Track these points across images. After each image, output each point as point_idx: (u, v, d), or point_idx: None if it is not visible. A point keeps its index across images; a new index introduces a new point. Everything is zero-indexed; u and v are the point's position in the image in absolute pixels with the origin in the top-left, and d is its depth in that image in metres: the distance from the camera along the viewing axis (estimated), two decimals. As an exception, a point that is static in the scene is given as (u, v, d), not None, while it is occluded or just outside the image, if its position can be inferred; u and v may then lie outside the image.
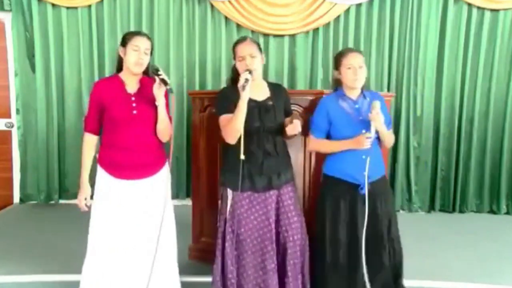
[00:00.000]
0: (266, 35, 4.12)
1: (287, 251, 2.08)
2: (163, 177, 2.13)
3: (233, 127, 1.97)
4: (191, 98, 2.84)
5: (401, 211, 4.19)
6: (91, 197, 2.13)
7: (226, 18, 4.10)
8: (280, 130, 2.10)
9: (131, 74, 2.08)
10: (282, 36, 4.13)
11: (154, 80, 2.00)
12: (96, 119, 2.09)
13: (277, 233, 2.09)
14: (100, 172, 2.09)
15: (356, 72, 2.12)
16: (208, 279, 2.33)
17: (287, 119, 2.10)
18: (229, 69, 4.08)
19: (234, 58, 2.16)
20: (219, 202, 2.18)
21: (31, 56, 4.11)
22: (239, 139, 1.99)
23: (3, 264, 2.74)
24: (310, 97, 2.56)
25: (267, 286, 2.06)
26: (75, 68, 4.13)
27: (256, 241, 2.08)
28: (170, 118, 2.11)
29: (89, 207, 2.11)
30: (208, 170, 2.78)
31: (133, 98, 2.06)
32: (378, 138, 2.16)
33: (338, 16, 4.10)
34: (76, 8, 4.06)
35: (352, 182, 2.12)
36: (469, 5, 4.03)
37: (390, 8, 4.07)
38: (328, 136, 2.22)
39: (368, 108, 2.12)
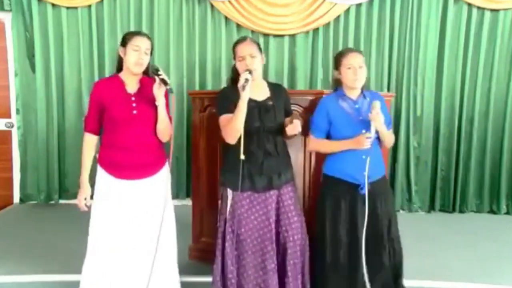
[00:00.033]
0: (266, 35, 4.12)
1: (287, 251, 2.08)
2: (163, 177, 2.12)
3: (233, 127, 1.97)
4: (191, 98, 2.84)
5: (401, 211, 4.19)
6: (91, 197, 2.13)
7: (226, 18, 4.10)
8: (280, 130, 2.10)
9: (131, 74, 2.08)
10: (282, 36, 4.13)
11: (154, 80, 2.00)
12: (96, 119, 2.09)
13: (277, 233, 2.09)
14: (100, 172, 2.09)
15: (356, 72, 2.12)
16: (208, 279, 2.33)
17: (287, 119, 2.09)
18: (229, 69, 4.08)
19: (234, 58, 2.16)
20: (219, 202, 2.18)
21: (31, 56, 4.11)
22: (239, 139, 1.99)
23: (3, 264, 2.74)
24: (310, 97, 2.56)
25: (267, 286, 2.06)
26: (75, 68, 4.13)
27: (256, 241, 2.08)
28: (170, 118, 2.11)
29: (89, 207, 2.11)
30: (208, 170, 2.78)
31: (133, 98, 2.06)
32: (378, 138, 2.16)
33: (338, 16, 4.10)
34: (76, 8, 4.07)
35: (352, 182, 2.12)
36: (469, 5, 4.03)
37: (390, 8, 4.07)
38: (328, 136, 2.22)
39: (368, 108, 2.12)
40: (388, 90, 4.11)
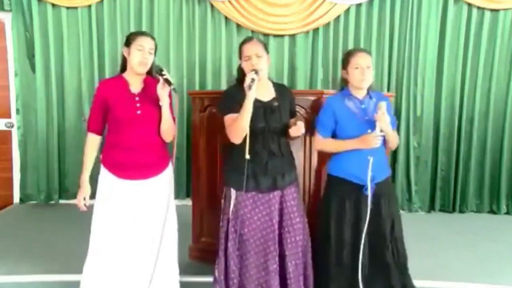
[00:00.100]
0: (266, 35, 4.12)
1: (289, 252, 2.08)
2: (167, 178, 2.12)
3: (239, 126, 1.97)
4: (191, 98, 2.84)
5: (401, 211, 4.16)
6: (91, 197, 2.13)
7: (226, 18, 4.10)
8: (285, 131, 2.10)
9: (135, 74, 2.08)
10: (282, 36, 4.13)
11: (158, 80, 2.00)
12: (100, 119, 2.10)
13: (279, 234, 2.09)
14: (104, 172, 2.09)
15: (363, 72, 2.12)
16: (208, 279, 2.33)
17: (291, 121, 2.10)
18: (229, 69, 4.14)
19: (240, 58, 2.14)
20: (222, 201, 2.17)
21: (31, 56, 4.11)
22: (244, 139, 1.99)
23: (3, 264, 2.74)
24: (310, 97, 2.56)
25: (269, 287, 2.06)
26: (75, 68, 4.13)
27: (259, 242, 2.08)
28: (173, 118, 2.11)
29: (88, 207, 2.11)
30: (208, 170, 2.78)
31: (137, 98, 2.06)
32: (383, 139, 2.16)
33: (338, 16, 4.10)
34: (76, 8, 4.07)
35: (357, 183, 2.12)
36: (469, 5, 4.03)
37: (390, 8, 4.08)
38: (334, 136, 2.22)
39: (374, 108, 2.12)
40: (388, 90, 4.11)
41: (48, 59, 4.09)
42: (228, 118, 2.05)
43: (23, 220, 3.76)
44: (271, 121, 2.06)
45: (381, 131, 2.07)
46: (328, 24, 4.12)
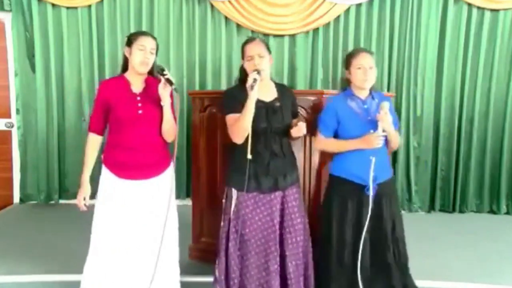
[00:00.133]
0: (266, 35, 4.12)
1: (289, 252, 2.08)
2: (168, 178, 2.12)
3: (241, 126, 1.97)
4: (191, 98, 2.84)
5: (401, 211, 4.19)
6: (91, 197, 2.13)
7: (226, 18, 4.10)
8: (287, 131, 2.10)
9: (137, 74, 2.08)
10: (282, 36, 4.13)
11: (159, 80, 2.00)
12: (101, 119, 2.10)
13: (280, 234, 2.09)
14: (105, 172, 2.09)
15: (366, 73, 2.12)
16: (208, 279, 2.33)
17: (293, 121, 2.10)
18: (229, 69, 4.14)
19: (243, 58, 2.14)
20: (224, 201, 2.17)
21: (31, 56, 4.11)
22: (246, 139, 1.99)
23: (3, 264, 2.74)
24: (310, 97, 2.56)
25: (270, 287, 2.06)
26: (75, 68, 4.13)
27: (260, 242, 2.08)
28: (175, 118, 2.11)
29: (88, 207, 2.11)
30: (208, 170, 2.78)
31: (138, 98, 2.06)
32: (385, 140, 2.16)
33: (338, 16, 4.10)
34: (76, 8, 4.07)
35: (359, 183, 2.12)
36: (469, 5, 4.03)
37: (390, 8, 4.08)
38: (336, 136, 2.22)
39: (377, 108, 2.12)
40: (388, 90, 4.11)
41: (48, 59, 4.09)
42: (230, 118, 2.05)
43: (23, 220, 3.76)
44: (273, 121, 2.06)
45: (383, 131, 2.07)
46: (328, 24, 4.12)
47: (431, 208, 4.21)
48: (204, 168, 2.79)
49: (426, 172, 4.18)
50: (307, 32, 4.14)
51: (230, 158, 2.20)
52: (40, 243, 3.13)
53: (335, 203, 2.17)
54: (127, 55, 2.08)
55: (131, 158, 2.04)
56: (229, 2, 4.01)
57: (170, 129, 2.09)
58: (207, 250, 2.73)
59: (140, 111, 2.04)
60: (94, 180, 2.14)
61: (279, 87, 2.21)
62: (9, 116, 4.22)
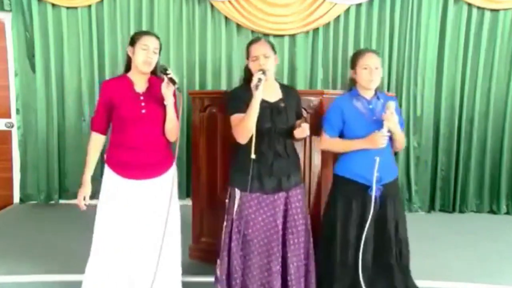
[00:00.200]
0: (266, 35, 4.11)
1: (291, 254, 2.08)
2: (171, 177, 2.12)
3: (245, 126, 1.96)
4: (191, 98, 2.84)
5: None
6: (91, 197, 2.13)
7: (226, 18, 4.10)
8: (291, 132, 2.09)
9: (140, 74, 2.09)
10: (282, 36, 4.13)
11: (162, 80, 2.00)
12: (104, 118, 2.10)
13: (283, 235, 2.09)
14: (108, 172, 2.09)
15: (372, 73, 2.12)
16: (209, 279, 2.33)
17: (297, 122, 2.10)
18: (229, 69, 4.14)
19: (247, 58, 2.14)
20: (227, 201, 2.16)
21: (31, 56, 4.11)
22: (250, 139, 1.98)
23: (3, 264, 2.74)
24: (310, 97, 2.56)
25: (271, 287, 2.06)
26: (75, 68, 4.13)
27: (263, 242, 2.08)
28: (177, 117, 2.11)
29: (88, 206, 2.11)
30: (208, 170, 2.78)
31: (141, 98, 2.06)
32: (390, 140, 2.15)
33: (338, 16, 4.10)
34: (76, 8, 4.06)
35: (363, 183, 2.12)
36: (469, 5, 4.03)
37: (390, 8, 4.07)
38: (341, 136, 2.22)
39: (382, 109, 2.12)
40: (388, 90, 4.11)
41: (48, 59, 4.08)
42: (235, 118, 2.05)
43: (23, 220, 3.76)
44: (277, 122, 2.06)
45: (388, 131, 2.07)
46: (328, 24, 4.12)
47: (431, 208, 4.21)
48: (204, 168, 2.79)
49: (426, 172, 4.18)
50: (307, 32, 4.14)
51: (234, 158, 2.19)
52: (40, 243, 3.13)
53: (339, 203, 2.16)
54: (130, 54, 2.08)
55: (134, 157, 2.04)
56: (229, 2, 4.01)
57: (173, 128, 2.09)
58: (207, 250, 2.73)
59: (143, 111, 2.04)
60: (94, 179, 2.14)
61: (284, 87, 2.21)
62: (9, 116, 4.22)
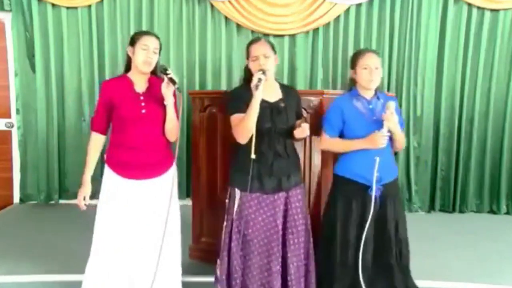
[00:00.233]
0: (266, 35, 4.11)
1: (291, 254, 2.08)
2: (171, 177, 2.12)
3: (245, 126, 1.96)
4: (191, 98, 2.84)
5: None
6: (91, 197, 2.13)
7: (226, 18, 4.10)
8: (291, 132, 2.09)
9: (140, 74, 2.09)
10: (282, 36, 4.13)
11: (162, 80, 2.00)
12: (104, 118, 2.10)
13: (283, 235, 2.09)
14: (108, 172, 2.09)
15: (372, 73, 2.12)
16: (209, 279, 2.33)
17: (297, 122, 2.10)
18: (229, 69, 4.14)
19: (247, 58, 2.14)
20: (227, 201, 2.16)
21: (31, 56, 4.11)
22: (250, 139, 1.98)
23: (3, 264, 2.74)
24: (310, 97, 2.56)
25: (271, 287, 2.06)
26: (75, 68, 4.13)
27: (263, 242, 2.08)
28: (177, 117, 2.10)
29: (88, 206, 2.11)
30: (208, 170, 2.78)
31: (141, 98, 2.06)
32: (390, 140, 2.15)
33: (338, 16, 4.10)
34: (76, 8, 4.06)
35: (363, 183, 2.12)
36: (469, 5, 4.03)
37: (390, 8, 4.07)
38: (341, 136, 2.22)
39: (382, 109, 2.12)
40: (388, 90, 4.11)
41: (48, 59, 4.08)
42: (235, 117, 2.05)
43: (23, 220, 3.76)
44: (277, 122, 2.06)
45: (388, 131, 2.07)
46: (328, 24, 4.12)
47: (431, 208, 4.21)
48: (204, 168, 2.79)
49: (426, 172, 4.18)
50: (307, 32, 4.14)
51: (234, 158, 2.19)
52: (40, 243, 3.13)
53: (339, 203, 2.16)
54: (130, 54, 2.09)
55: (134, 157, 2.04)
56: (229, 2, 4.01)
57: (173, 128, 2.09)
58: (207, 250, 2.73)
59: (143, 111, 2.04)
60: (94, 179, 2.14)
61: (284, 87, 2.21)
62: (9, 116, 4.22)
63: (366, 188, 2.11)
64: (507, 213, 4.17)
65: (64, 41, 4.07)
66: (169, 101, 2.02)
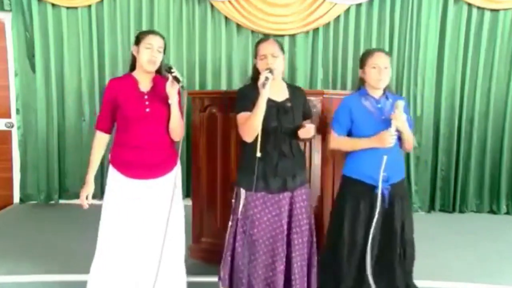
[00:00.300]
0: (266, 35, 4.10)
1: (295, 253, 2.09)
2: (175, 177, 2.12)
3: (251, 124, 1.96)
4: (191, 98, 2.84)
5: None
6: (93, 196, 2.14)
7: (226, 18, 4.10)
8: (296, 132, 2.09)
9: (144, 73, 2.09)
10: (282, 36, 4.12)
11: (167, 78, 2.00)
12: (109, 117, 2.10)
13: (287, 235, 2.09)
14: (112, 171, 2.09)
15: (380, 72, 2.12)
16: (209, 279, 2.33)
17: (304, 122, 2.10)
18: (229, 69, 4.14)
19: (256, 57, 2.14)
20: (233, 201, 2.16)
21: (31, 56, 4.11)
22: (256, 138, 1.98)
23: (3, 264, 2.74)
24: (310, 97, 2.55)
25: (275, 287, 2.06)
26: (75, 68, 4.13)
27: (268, 242, 2.07)
28: (182, 115, 2.11)
29: (90, 205, 2.11)
30: (208, 170, 2.78)
31: (146, 97, 2.06)
32: (398, 140, 2.15)
33: (338, 16, 4.10)
34: (76, 8, 4.07)
35: (371, 184, 2.12)
36: (469, 5, 4.03)
37: (390, 8, 4.07)
38: (349, 135, 2.21)
39: (391, 108, 2.12)
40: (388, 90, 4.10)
41: (48, 59, 4.09)
42: (241, 116, 2.05)
43: (23, 220, 3.76)
44: (283, 121, 2.06)
45: (396, 130, 2.06)
46: (328, 24, 4.12)
47: (431, 208, 4.21)
48: (204, 168, 2.80)
49: (426, 172, 4.18)
50: (307, 32, 4.14)
51: (241, 158, 2.20)
52: (40, 243, 3.13)
53: (347, 203, 2.16)
54: (135, 53, 2.09)
55: (138, 157, 2.04)
56: (229, 2, 4.01)
57: (178, 127, 2.09)
58: (207, 250, 2.73)
59: (147, 110, 2.04)
60: (96, 178, 2.15)
61: (291, 87, 2.21)
62: (9, 116, 4.22)
63: (374, 188, 2.11)
64: (507, 213, 4.17)
65: (64, 41, 4.07)
66: (173, 100, 2.02)
